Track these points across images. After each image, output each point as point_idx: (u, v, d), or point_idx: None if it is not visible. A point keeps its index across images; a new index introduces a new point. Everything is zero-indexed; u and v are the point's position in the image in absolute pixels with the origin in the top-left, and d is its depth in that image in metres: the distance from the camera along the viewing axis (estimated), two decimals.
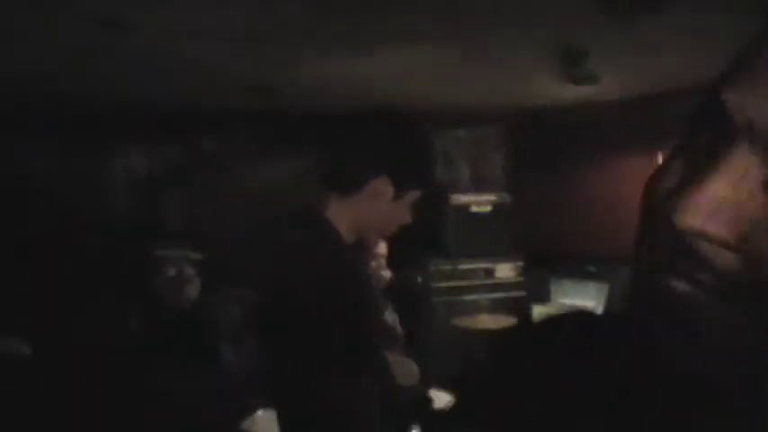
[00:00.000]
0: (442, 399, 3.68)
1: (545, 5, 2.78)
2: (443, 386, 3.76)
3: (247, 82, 3.86)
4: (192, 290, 3.90)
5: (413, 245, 2.22)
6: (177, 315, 3.83)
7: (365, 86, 4.08)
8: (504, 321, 4.35)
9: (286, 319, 1.76)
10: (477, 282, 4.89)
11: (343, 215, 1.85)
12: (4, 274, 3.92)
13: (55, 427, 3.73)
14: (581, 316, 0.72)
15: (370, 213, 1.86)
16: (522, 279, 4.99)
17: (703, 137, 0.55)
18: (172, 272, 3.85)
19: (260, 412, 3.69)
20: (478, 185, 5.37)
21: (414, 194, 1.88)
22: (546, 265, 5.04)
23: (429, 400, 3.46)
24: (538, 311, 4.94)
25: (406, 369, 3.17)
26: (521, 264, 5.01)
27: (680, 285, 0.53)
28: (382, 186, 1.82)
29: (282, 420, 1.82)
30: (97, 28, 2.75)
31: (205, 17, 2.80)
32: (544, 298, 5.05)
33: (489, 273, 4.95)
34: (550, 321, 0.74)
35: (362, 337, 1.81)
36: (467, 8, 2.82)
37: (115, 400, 3.79)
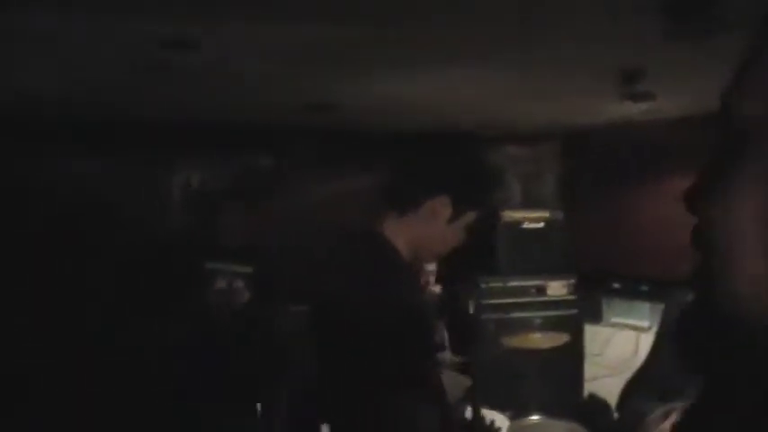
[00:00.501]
0: (494, 419, 3.67)
1: (605, 27, 2.75)
2: (493, 405, 3.76)
3: (306, 99, 3.90)
4: (240, 302, 3.97)
5: (463, 260, 2.22)
6: (225, 325, 3.90)
7: (421, 104, 4.09)
8: (556, 340, 4.29)
9: (344, 335, 1.78)
10: (527, 299, 4.84)
11: (400, 234, 1.86)
12: (59, 284, 4.03)
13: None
14: None
15: (426, 233, 1.87)
16: (574, 297, 4.90)
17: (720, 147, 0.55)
18: (222, 284, 3.93)
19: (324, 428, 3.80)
20: (530, 202, 5.33)
21: (470, 216, 1.89)
22: (598, 283, 4.98)
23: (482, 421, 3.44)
24: (589, 331, 4.88)
25: (454, 383, 3.16)
26: (573, 281, 4.94)
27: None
28: (440, 207, 1.84)
29: None
30: (156, 47, 2.81)
31: (264, 35, 2.84)
32: (596, 317, 4.99)
33: (540, 290, 4.89)
34: None
35: (420, 354, 1.81)
36: (525, 29, 2.82)
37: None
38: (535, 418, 4.09)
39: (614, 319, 4.96)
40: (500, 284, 4.82)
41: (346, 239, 2.01)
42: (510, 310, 4.75)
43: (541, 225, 4.99)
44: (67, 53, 2.93)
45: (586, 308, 4.96)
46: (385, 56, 3.21)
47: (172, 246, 4.09)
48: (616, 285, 4.96)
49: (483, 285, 4.81)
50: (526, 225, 4.98)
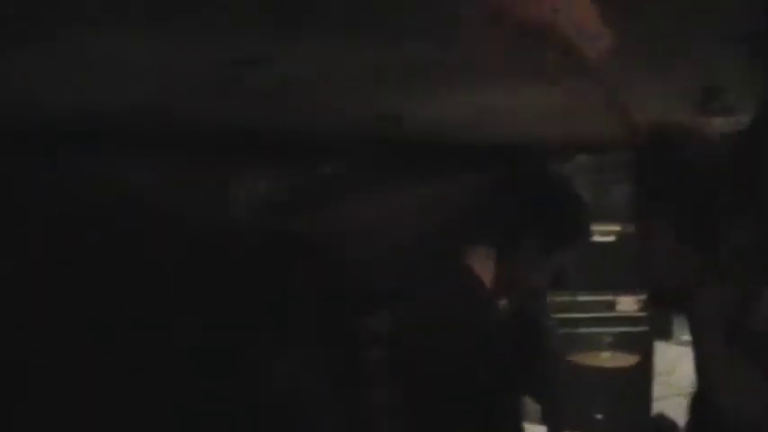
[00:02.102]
0: None
1: (687, 45, 2.66)
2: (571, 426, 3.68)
3: (375, 111, 3.88)
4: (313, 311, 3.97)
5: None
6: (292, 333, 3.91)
7: (491, 118, 4.03)
8: (625, 361, 4.20)
9: (426, 365, 1.78)
10: (596, 314, 4.75)
11: (489, 270, 1.86)
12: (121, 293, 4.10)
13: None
14: None
15: (515, 273, 1.88)
16: (644, 314, 4.80)
17: None
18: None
19: None
20: (601, 215, 5.19)
21: (560, 257, 1.92)
22: (666, 300, 4.81)
23: None
24: (659, 348, 4.75)
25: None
26: (644, 297, 4.80)
27: None
28: (534, 245, 1.84)
29: None
30: (227, 63, 2.81)
31: (334, 52, 2.82)
32: (666, 334, 4.85)
33: (610, 306, 4.79)
34: None
35: (505, 392, 1.85)
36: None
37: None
38: None
39: (685, 338, 4.79)
40: (568, 299, 4.74)
41: (431, 270, 2.05)
42: (578, 325, 4.65)
43: (612, 238, 4.88)
44: (136, 69, 2.95)
45: (657, 325, 4.83)
46: (455, 72, 3.16)
47: (238, 255, 4.12)
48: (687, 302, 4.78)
49: (550, 299, 4.67)
50: (596, 238, 4.86)
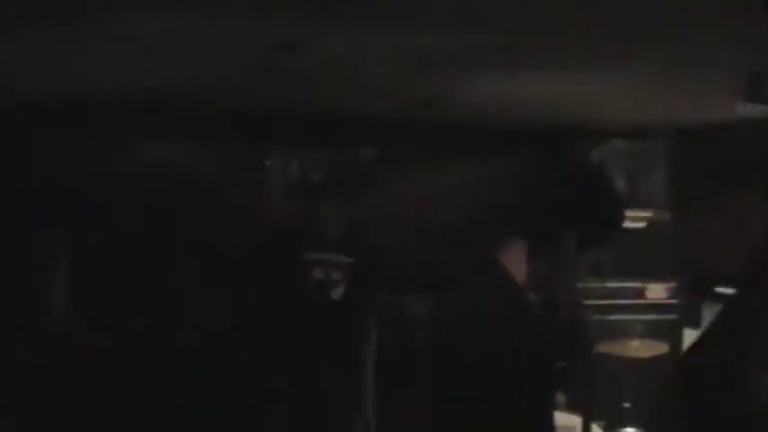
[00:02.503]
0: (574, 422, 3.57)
1: (740, 28, 2.60)
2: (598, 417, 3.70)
3: (416, 95, 3.83)
4: (336, 293, 3.93)
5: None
6: (320, 317, 3.88)
7: (531, 101, 3.99)
8: (655, 349, 4.13)
9: (460, 355, 1.70)
10: (626, 301, 4.69)
11: (522, 266, 1.73)
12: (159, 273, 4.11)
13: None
14: None
15: (553, 268, 1.75)
16: (675, 302, 4.73)
17: None
18: (320, 274, 3.90)
19: None
20: (635, 200, 5.13)
21: (593, 255, 1.79)
22: (700, 288, 4.77)
23: None
24: (689, 338, 4.69)
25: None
26: (674, 285, 4.75)
27: None
28: (569, 242, 1.70)
29: None
30: (270, 47, 2.78)
31: (377, 37, 2.78)
32: (696, 323, 4.78)
33: (640, 293, 4.72)
34: None
35: (542, 397, 1.75)
36: (642, 32, 2.68)
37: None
38: (630, 430, 3.99)
39: None
40: (598, 285, 4.66)
41: (463, 266, 1.90)
42: (607, 312, 4.60)
43: (644, 225, 4.80)
44: (179, 51, 2.92)
45: (686, 313, 4.74)
46: (498, 58, 3.11)
47: (270, 235, 4.10)
48: (720, 290, 4.72)
49: (581, 286, 4.56)
50: (628, 224, 4.73)
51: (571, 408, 3.64)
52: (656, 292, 4.76)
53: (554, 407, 1.89)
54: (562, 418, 3.43)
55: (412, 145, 4.84)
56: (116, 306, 3.96)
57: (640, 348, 4.12)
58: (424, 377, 1.86)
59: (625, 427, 3.99)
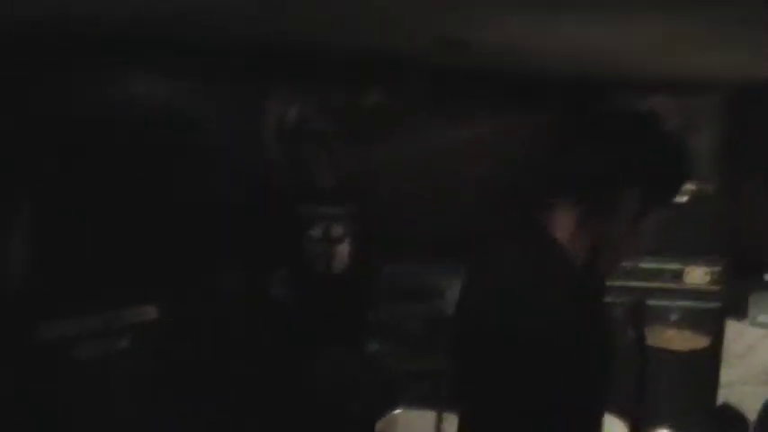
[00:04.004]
0: (616, 427, 3.16)
1: None
2: (617, 411, 3.22)
3: (435, 32, 3.32)
4: (342, 254, 3.45)
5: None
6: (324, 284, 3.41)
7: (566, 51, 3.55)
8: (693, 341, 3.66)
9: (494, 354, 1.50)
10: (661, 284, 4.20)
11: (574, 235, 1.52)
12: (135, 227, 3.62)
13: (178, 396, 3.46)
14: None
15: (610, 235, 1.53)
16: (718, 288, 4.24)
17: None
18: (317, 231, 3.41)
19: (398, 411, 3.31)
20: None
21: (661, 212, 1.58)
22: (748, 274, 4.28)
23: None
24: (732, 329, 4.20)
25: None
26: (718, 269, 4.25)
27: None
28: (628, 198, 1.49)
29: None
30: None
31: None
32: (740, 313, 4.30)
33: (677, 276, 4.23)
34: None
35: (594, 397, 1.51)
36: None
37: (242, 379, 3.47)
38: (665, 431, 3.54)
39: (763, 318, 4.25)
40: (629, 265, 4.13)
41: (502, 233, 1.66)
42: (641, 295, 4.10)
43: (687, 198, 4.21)
44: None
45: (730, 301, 4.26)
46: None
47: (262, 185, 3.61)
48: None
49: None
50: None
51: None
52: (697, 276, 4.27)
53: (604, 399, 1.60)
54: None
55: (431, 91, 4.34)
56: (80, 273, 3.45)
57: (675, 339, 3.65)
58: (450, 366, 1.69)
59: (657, 427, 3.54)
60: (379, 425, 3.22)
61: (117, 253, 3.54)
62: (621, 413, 3.16)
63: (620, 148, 1.52)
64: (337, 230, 3.40)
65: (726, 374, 4.22)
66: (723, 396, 4.17)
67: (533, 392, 1.42)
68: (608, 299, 3.84)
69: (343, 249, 3.41)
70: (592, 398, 1.50)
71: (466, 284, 1.68)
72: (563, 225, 1.53)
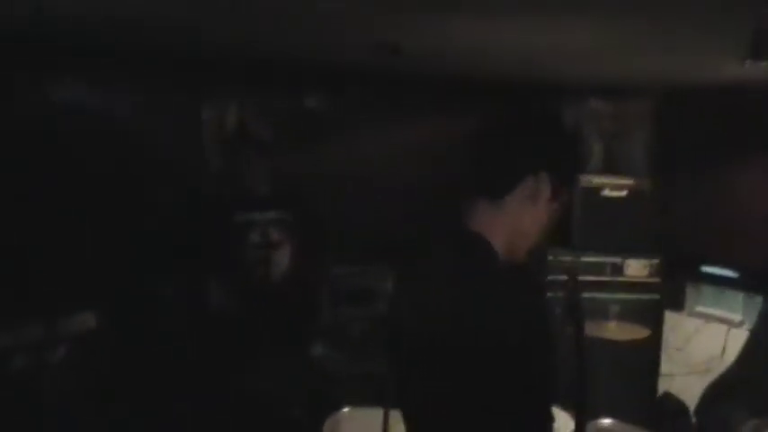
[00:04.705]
0: (561, 418, 3.17)
1: None
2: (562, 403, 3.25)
3: (371, 37, 3.31)
4: (282, 259, 3.43)
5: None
6: (265, 291, 3.38)
7: (498, 50, 3.50)
8: (634, 332, 3.71)
9: (428, 355, 1.53)
10: (602, 278, 4.25)
11: (494, 225, 1.58)
12: (72, 236, 3.52)
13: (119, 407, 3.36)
14: None
15: (524, 220, 1.59)
16: (657, 280, 4.29)
17: None
18: (255, 237, 3.39)
19: (345, 410, 3.27)
20: (612, 167, 4.71)
21: (566, 194, 1.63)
22: (684, 266, 4.38)
23: None
24: (670, 320, 4.28)
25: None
26: (656, 262, 4.31)
27: None
28: (542, 183, 1.57)
29: None
30: None
31: None
32: (678, 305, 4.38)
33: (617, 269, 4.29)
34: None
35: (538, 395, 1.53)
36: None
37: (185, 389, 3.38)
38: (607, 421, 3.56)
39: (700, 309, 4.32)
40: (570, 259, 4.23)
41: (432, 237, 1.68)
42: (582, 289, 4.15)
43: (624, 194, 4.37)
44: None
45: (669, 293, 4.35)
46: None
47: (199, 194, 3.56)
48: (705, 269, 4.32)
49: (552, 258, 4.20)
50: (607, 193, 4.35)
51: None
52: (636, 269, 4.33)
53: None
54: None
55: (371, 95, 4.34)
56: (12, 282, 3.34)
57: (617, 331, 3.70)
58: (389, 368, 1.72)
59: (600, 417, 3.55)
60: (326, 424, 3.18)
61: (49, 261, 3.41)
62: (566, 405, 3.17)
63: (529, 140, 1.61)
64: (276, 236, 3.38)
65: (666, 365, 4.30)
66: (665, 386, 4.26)
67: (473, 391, 1.45)
68: (548, 293, 3.91)
69: (283, 254, 3.39)
70: (534, 392, 1.51)
71: (396, 288, 1.75)
72: (483, 219, 1.58)
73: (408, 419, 1.66)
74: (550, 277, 4.12)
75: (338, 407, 3.29)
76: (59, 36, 3.31)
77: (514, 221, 1.58)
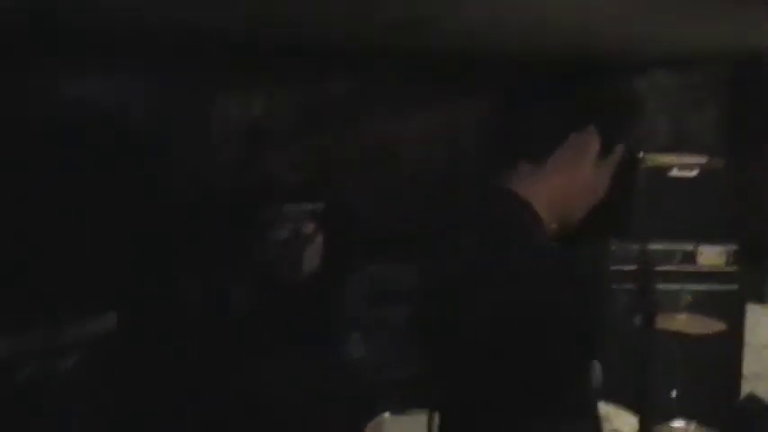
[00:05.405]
0: (623, 420, 2.93)
1: None
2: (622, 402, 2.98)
3: (395, 13, 3.09)
4: (313, 256, 3.19)
5: (588, 216, 1.67)
6: (294, 291, 3.15)
7: (552, 23, 3.27)
8: (708, 326, 3.35)
9: (473, 333, 1.40)
10: (672, 268, 3.89)
11: (538, 190, 1.49)
12: (89, 237, 3.37)
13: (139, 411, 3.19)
14: None
15: (572, 182, 1.50)
16: (734, 269, 3.92)
17: None
18: (284, 233, 3.16)
19: (387, 415, 3.17)
20: (682, 144, 4.32)
21: (620, 151, 1.55)
22: (765, 253, 4.01)
23: None
24: (753, 314, 3.88)
25: None
26: (733, 248, 3.94)
27: None
28: (587, 141, 1.49)
29: None
30: None
31: None
32: (760, 296, 3.99)
33: (689, 257, 3.93)
34: None
35: (584, 371, 1.42)
36: None
37: (207, 396, 3.20)
38: (679, 424, 3.24)
39: None
40: (636, 247, 3.80)
41: (471, 206, 1.59)
42: (649, 278, 3.82)
43: (695, 173, 4.01)
44: None
45: (749, 284, 3.96)
46: None
47: (220, 189, 3.38)
48: None
49: (614, 248, 3.89)
50: (675, 173, 3.99)
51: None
52: (710, 256, 3.96)
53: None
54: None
55: (397, 76, 4.09)
56: (20, 285, 3.20)
57: (688, 324, 3.35)
58: (430, 364, 1.60)
59: (672, 418, 3.25)
60: (366, 430, 3.06)
61: (61, 261, 3.27)
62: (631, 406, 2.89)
63: (570, 92, 1.53)
64: (306, 230, 3.15)
65: (751, 364, 3.91)
66: (748, 387, 3.87)
67: (519, 380, 1.34)
68: (612, 284, 3.61)
69: (313, 249, 3.15)
70: (580, 378, 1.41)
71: (437, 275, 1.60)
72: (526, 185, 1.49)
73: (448, 416, 1.57)
74: (615, 267, 3.82)
75: (377, 411, 3.15)
76: (73, 21, 3.17)
77: (561, 186, 1.50)
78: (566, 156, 1.49)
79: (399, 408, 3.17)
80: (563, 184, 1.50)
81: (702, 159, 4.02)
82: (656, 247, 3.90)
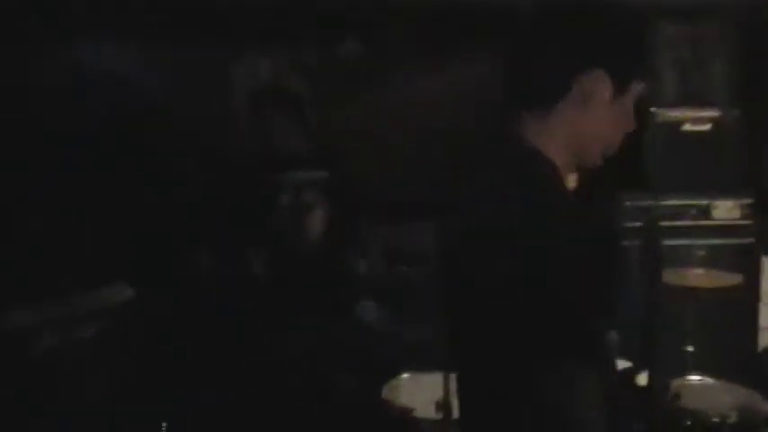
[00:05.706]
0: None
1: None
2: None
3: None
4: (315, 222, 3.20)
5: (601, 172, 1.58)
6: (302, 257, 3.16)
7: None
8: (726, 280, 3.33)
9: (487, 286, 1.38)
10: (687, 222, 3.89)
11: (549, 140, 1.44)
12: (104, 206, 3.37)
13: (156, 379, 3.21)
14: None
15: (586, 124, 1.44)
16: (750, 222, 3.90)
17: None
18: (285, 200, 3.16)
19: (405, 375, 3.19)
20: (693, 97, 4.24)
21: (637, 87, 1.46)
22: None
23: None
24: None
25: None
26: (748, 202, 3.91)
27: None
28: (598, 82, 1.41)
29: (469, 405, 1.54)
30: None
31: None
32: None
33: (704, 211, 3.91)
34: None
35: (596, 318, 1.38)
36: None
37: (227, 356, 3.22)
38: (696, 378, 3.22)
39: None
40: (651, 203, 3.86)
41: (482, 157, 1.55)
42: (664, 235, 3.80)
43: (708, 127, 3.97)
44: None
45: (765, 237, 3.92)
46: None
47: (232, 156, 3.37)
48: None
49: (628, 204, 3.86)
50: (688, 127, 3.96)
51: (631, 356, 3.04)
52: (725, 210, 3.93)
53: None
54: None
55: (406, 34, 4.01)
56: (37, 256, 3.20)
57: (703, 278, 3.34)
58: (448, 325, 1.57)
59: (689, 375, 3.25)
60: (385, 390, 3.06)
61: (77, 233, 3.28)
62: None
63: (573, 31, 1.44)
64: (312, 196, 3.15)
65: (767, 316, 3.90)
66: (765, 339, 3.86)
67: (537, 337, 1.31)
68: (624, 240, 3.58)
69: (320, 216, 3.16)
70: (598, 335, 1.38)
71: (452, 232, 1.57)
72: (536, 133, 1.44)
73: (465, 377, 1.56)
74: (627, 224, 3.80)
75: (395, 371, 3.17)
76: None
77: (572, 131, 1.44)
78: (576, 100, 1.43)
79: (417, 368, 3.18)
80: (576, 129, 1.45)
81: (715, 113, 3.99)
82: (670, 202, 3.88)
